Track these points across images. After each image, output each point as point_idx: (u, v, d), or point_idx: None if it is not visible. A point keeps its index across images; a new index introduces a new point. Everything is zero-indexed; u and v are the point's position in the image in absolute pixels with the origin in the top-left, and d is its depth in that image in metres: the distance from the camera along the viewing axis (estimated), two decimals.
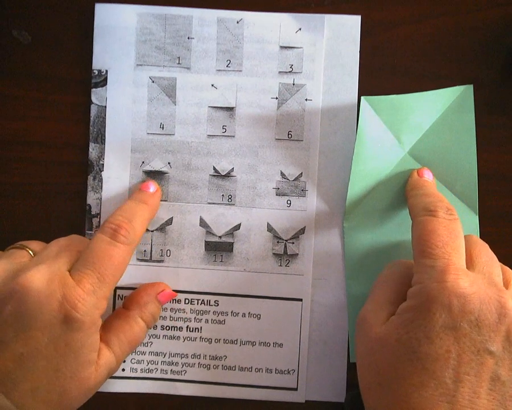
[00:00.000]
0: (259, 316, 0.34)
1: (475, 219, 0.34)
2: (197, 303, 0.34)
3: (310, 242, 0.34)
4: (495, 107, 0.34)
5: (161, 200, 0.34)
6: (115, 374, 0.32)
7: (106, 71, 0.34)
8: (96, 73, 0.34)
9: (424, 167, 0.33)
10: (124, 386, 0.34)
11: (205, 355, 0.34)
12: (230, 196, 0.34)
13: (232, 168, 0.34)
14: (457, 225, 0.27)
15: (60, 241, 0.30)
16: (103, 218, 0.34)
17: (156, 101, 0.34)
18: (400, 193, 0.33)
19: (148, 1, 0.34)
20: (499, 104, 0.34)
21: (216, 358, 0.34)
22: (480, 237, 0.30)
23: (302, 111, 0.34)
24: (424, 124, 0.33)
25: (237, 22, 0.34)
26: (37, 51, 0.34)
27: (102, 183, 0.34)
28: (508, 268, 0.28)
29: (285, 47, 0.34)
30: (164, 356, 0.34)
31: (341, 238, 0.34)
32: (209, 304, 0.34)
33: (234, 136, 0.34)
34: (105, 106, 0.34)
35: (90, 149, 0.34)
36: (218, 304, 0.34)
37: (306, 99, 0.34)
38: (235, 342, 0.34)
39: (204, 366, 0.34)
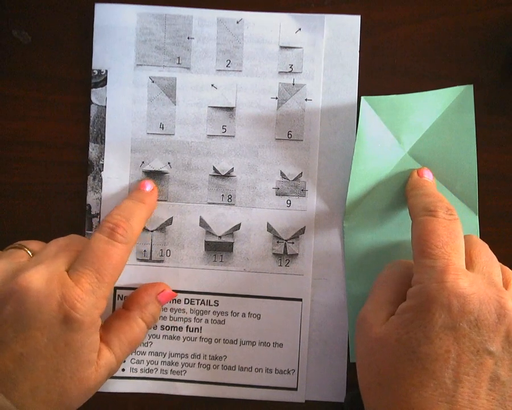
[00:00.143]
0: (259, 316, 0.34)
1: (475, 219, 0.34)
2: (197, 303, 0.34)
3: (310, 242, 0.34)
4: (495, 107, 0.34)
5: (161, 200, 0.34)
6: (115, 374, 0.32)
7: (106, 71, 0.34)
8: (96, 73, 0.34)
9: (424, 167, 0.33)
10: (124, 386, 0.34)
11: (205, 355, 0.34)
12: (230, 196, 0.34)
13: (232, 168, 0.34)
14: (457, 225, 0.27)
15: (59, 241, 0.30)
16: (103, 218, 0.34)
17: (156, 101, 0.34)
18: (400, 193, 0.33)
19: (148, 1, 0.34)
20: (499, 104, 0.34)
21: (216, 358, 0.34)
22: (480, 237, 0.30)
23: (302, 111, 0.34)
24: (424, 124, 0.33)
25: (237, 22, 0.34)
26: (37, 51, 0.34)
27: (102, 183, 0.34)
28: (507, 268, 0.28)
29: (285, 47, 0.34)
30: (164, 356, 0.34)
31: (341, 238, 0.34)
32: (209, 304, 0.34)
33: (234, 136, 0.34)
34: (105, 106, 0.34)
35: (90, 149, 0.34)
36: (218, 304, 0.34)
37: (306, 99, 0.34)
38: (235, 342, 0.34)
39: (204, 366, 0.34)
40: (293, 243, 0.34)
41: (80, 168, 0.34)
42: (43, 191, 0.34)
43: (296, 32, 0.34)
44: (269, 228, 0.34)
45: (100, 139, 0.34)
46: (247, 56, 0.34)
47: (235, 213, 0.34)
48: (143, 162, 0.34)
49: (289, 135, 0.34)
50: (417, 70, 0.34)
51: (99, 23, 0.34)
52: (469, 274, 0.26)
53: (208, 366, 0.34)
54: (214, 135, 0.34)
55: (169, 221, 0.34)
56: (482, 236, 0.33)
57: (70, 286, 0.27)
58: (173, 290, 0.34)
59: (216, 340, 0.34)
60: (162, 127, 0.34)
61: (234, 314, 0.34)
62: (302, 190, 0.34)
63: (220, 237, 0.34)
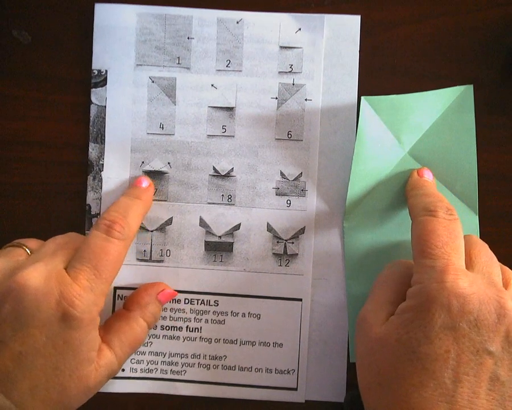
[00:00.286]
0: (259, 316, 0.34)
1: (475, 219, 0.34)
2: (197, 303, 0.34)
3: (310, 242, 0.34)
4: (495, 107, 0.34)
5: (161, 200, 0.34)
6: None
7: (106, 71, 0.34)
8: (96, 73, 0.34)
9: (424, 167, 0.33)
10: (124, 387, 0.34)
11: (205, 355, 0.34)
12: (229, 196, 0.34)
13: (232, 168, 0.34)
14: (457, 225, 0.27)
15: (57, 238, 0.30)
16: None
17: (156, 101, 0.34)
18: (400, 193, 0.33)
19: (148, 1, 0.34)
20: (499, 104, 0.34)
21: (216, 358, 0.34)
22: (480, 237, 0.30)
23: (302, 111, 0.34)
24: (424, 124, 0.33)
25: (237, 22, 0.34)
26: (37, 51, 0.34)
27: (101, 183, 0.34)
28: (507, 268, 0.28)
29: (285, 47, 0.34)
30: (164, 356, 0.34)
31: (341, 238, 0.34)
32: (209, 304, 0.34)
33: (233, 136, 0.34)
34: (105, 106, 0.34)
35: (90, 149, 0.34)
36: (218, 304, 0.34)
37: (306, 99, 0.34)
38: (235, 342, 0.34)
39: (204, 366, 0.34)
40: (293, 243, 0.34)
41: (80, 168, 0.34)
42: (43, 191, 0.34)
43: (296, 32, 0.34)
44: (269, 228, 0.34)
45: (100, 139, 0.34)
46: (247, 56, 0.34)
47: (235, 213, 0.34)
48: (143, 162, 0.34)
49: (289, 135, 0.34)
50: (417, 70, 0.34)
51: (99, 23, 0.34)
52: (468, 274, 0.25)
53: (208, 366, 0.34)
54: (214, 135, 0.34)
55: (169, 221, 0.34)
56: (482, 236, 0.33)
57: (68, 284, 0.27)
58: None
59: (216, 340, 0.34)
60: (162, 127, 0.34)
61: (234, 314, 0.34)
62: (302, 190, 0.34)
63: (220, 237, 0.34)
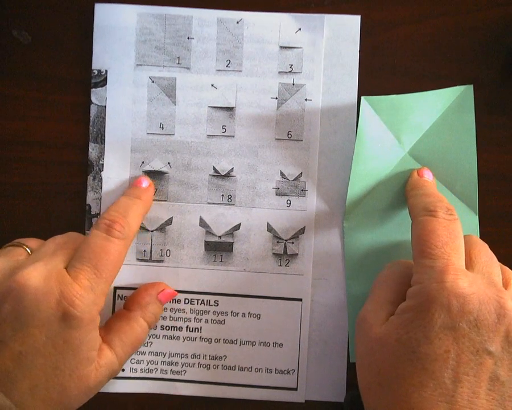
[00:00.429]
0: (259, 316, 0.34)
1: (475, 219, 0.34)
2: (197, 303, 0.34)
3: (310, 242, 0.34)
4: (495, 107, 0.34)
5: (161, 200, 0.34)
6: None
7: (106, 71, 0.34)
8: (96, 73, 0.34)
9: (424, 167, 0.33)
10: (124, 387, 0.34)
11: (205, 355, 0.34)
12: (229, 196, 0.34)
13: (232, 168, 0.34)
14: (457, 225, 0.27)
15: (57, 238, 0.30)
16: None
17: (156, 101, 0.34)
18: (400, 193, 0.33)
19: (148, 1, 0.34)
20: (499, 104, 0.34)
21: (216, 358, 0.34)
22: (480, 237, 0.30)
23: (302, 111, 0.34)
24: (424, 124, 0.33)
25: (237, 22, 0.34)
26: (37, 51, 0.34)
27: (101, 183, 0.34)
28: (507, 268, 0.28)
29: (285, 47, 0.34)
30: (164, 356, 0.34)
31: (341, 238, 0.34)
32: (209, 304, 0.34)
33: (233, 136, 0.34)
34: (105, 106, 0.34)
35: (90, 149, 0.34)
36: (218, 304, 0.34)
37: (306, 99, 0.34)
38: (235, 342, 0.34)
39: (204, 366, 0.34)
40: (293, 243, 0.34)
41: (80, 168, 0.34)
42: (43, 191, 0.34)
43: (296, 32, 0.34)
44: (269, 228, 0.34)
45: (100, 139, 0.34)
46: (247, 56, 0.34)
47: (235, 213, 0.34)
48: (143, 162, 0.34)
49: (289, 135, 0.34)
50: (417, 70, 0.34)
51: (99, 23, 0.34)
52: (468, 274, 0.25)
53: (208, 366, 0.34)
54: (214, 135, 0.34)
55: (169, 221, 0.34)
56: (482, 236, 0.33)
57: (68, 283, 0.27)
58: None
59: (216, 340, 0.34)
60: (162, 127, 0.34)
61: (234, 314, 0.34)
62: (302, 190, 0.34)
63: (220, 237, 0.34)
